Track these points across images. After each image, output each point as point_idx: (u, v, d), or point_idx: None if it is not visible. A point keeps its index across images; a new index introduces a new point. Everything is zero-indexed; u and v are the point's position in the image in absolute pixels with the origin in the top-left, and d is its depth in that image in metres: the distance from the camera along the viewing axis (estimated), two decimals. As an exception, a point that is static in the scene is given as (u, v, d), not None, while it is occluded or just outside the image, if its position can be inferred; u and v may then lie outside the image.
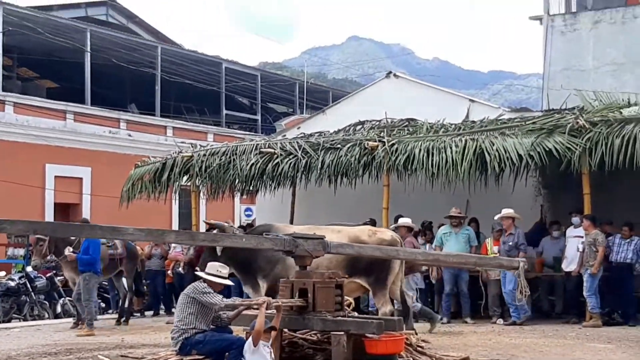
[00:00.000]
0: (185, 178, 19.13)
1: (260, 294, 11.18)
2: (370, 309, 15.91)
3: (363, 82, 60.23)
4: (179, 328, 7.81)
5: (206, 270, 8.17)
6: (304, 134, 19.12)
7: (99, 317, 17.60)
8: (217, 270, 8.14)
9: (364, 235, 11.68)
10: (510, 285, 14.26)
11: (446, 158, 14.98)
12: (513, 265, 10.58)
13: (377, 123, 18.10)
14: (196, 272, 8.29)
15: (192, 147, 19.44)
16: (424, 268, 15.39)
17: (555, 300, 16.05)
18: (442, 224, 16.13)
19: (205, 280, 8.03)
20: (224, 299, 8.03)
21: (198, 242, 9.52)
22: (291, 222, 19.10)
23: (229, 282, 8.61)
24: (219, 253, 10.79)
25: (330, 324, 8.67)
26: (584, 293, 14.08)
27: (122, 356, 10.77)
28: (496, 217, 15.45)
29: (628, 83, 24.09)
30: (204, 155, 18.28)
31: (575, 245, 14.72)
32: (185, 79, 35.52)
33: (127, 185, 19.54)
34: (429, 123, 16.92)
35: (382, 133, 16.62)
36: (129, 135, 30.95)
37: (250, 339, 7.57)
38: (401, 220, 15.43)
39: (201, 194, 20.10)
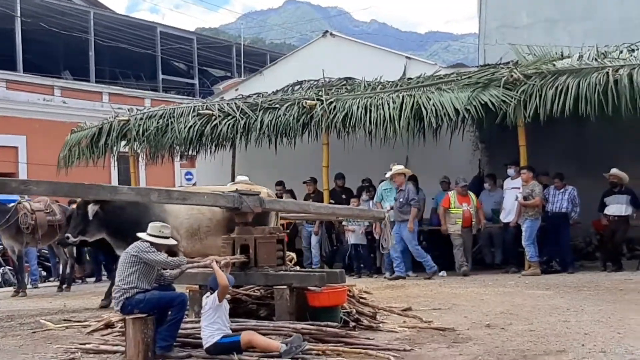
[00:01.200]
0: (123, 143, 18.93)
1: None
2: (313, 266, 16.06)
3: (301, 45, 60.01)
4: (120, 288, 7.73)
5: (148, 231, 8.08)
6: (242, 95, 19.03)
7: (40, 285, 17.45)
8: (159, 231, 8.05)
9: None
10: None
11: (384, 115, 15.06)
12: (380, 216, 11.32)
13: (315, 82, 18.14)
14: (137, 234, 8.17)
15: (128, 111, 19.22)
16: (366, 223, 15.52)
17: (494, 251, 16.35)
18: (383, 180, 16.22)
19: (145, 241, 7.94)
20: (168, 257, 7.96)
21: (173, 200, 9.39)
22: (232, 184, 19.10)
23: (172, 242, 8.53)
24: (90, 217, 10.97)
25: (273, 279, 8.70)
26: (523, 242, 14.36)
27: (64, 320, 10.69)
28: (387, 175, 15.38)
29: (561, 39, 24.36)
30: (141, 119, 18.10)
31: (513, 196, 14.96)
32: (119, 44, 34.97)
33: (64, 152, 19.26)
34: (367, 81, 16.98)
35: (320, 92, 16.64)
36: (64, 102, 30.46)
37: (215, 294, 7.53)
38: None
39: (140, 159, 19.93)
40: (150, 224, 8.14)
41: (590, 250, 16.08)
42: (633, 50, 14.78)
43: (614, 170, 14.24)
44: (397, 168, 15.17)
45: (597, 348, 7.12)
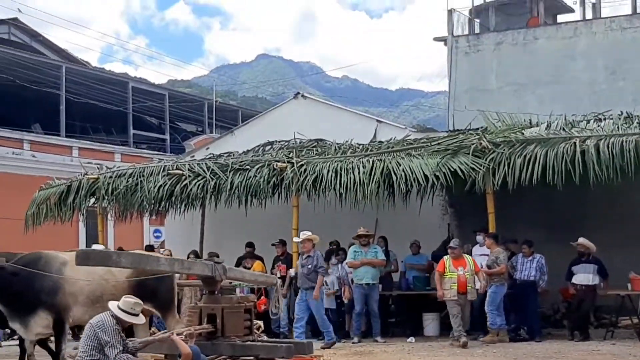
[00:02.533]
0: (92, 200, 18.79)
1: (32, 330, 10.78)
2: (281, 329, 15.92)
3: (274, 100, 60.45)
4: (82, 359, 7.65)
5: (119, 304, 7.99)
6: (212, 154, 19.05)
7: (3, 343, 17.07)
8: (131, 308, 7.98)
9: None
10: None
11: (354, 178, 15.13)
12: (272, 281, 11.98)
13: (286, 143, 18.21)
14: (109, 304, 8.07)
15: (98, 168, 19.14)
16: (335, 287, 15.48)
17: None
18: (352, 243, 16.18)
19: (113, 316, 7.85)
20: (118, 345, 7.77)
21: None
22: (201, 244, 19.05)
23: (140, 321, 8.42)
24: None
25: (240, 349, 8.65)
26: (485, 308, 14.32)
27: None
28: (298, 240, 15.12)
29: (530, 103, 24.84)
30: (110, 177, 18.01)
31: (480, 263, 15.00)
32: (90, 99, 34.96)
33: (32, 209, 19.06)
34: (337, 143, 17.11)
35: (291, 154, 16.71)
36: (33, 156, 30.26)
37: None
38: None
39: (109, 216, 19.79)
40: (124, 298, 8.09)
41: (558, 318, 16.09)
42: (600, 120, 15.05)
43: (581, 240, 14.34)
44: (305, 234, 14.90)
45: None
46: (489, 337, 14.21)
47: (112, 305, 7.91)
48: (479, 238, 15.24)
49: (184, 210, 18.83)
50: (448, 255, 14.40)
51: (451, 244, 14.50)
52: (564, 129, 14.63)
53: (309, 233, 14.91)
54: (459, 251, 14.43)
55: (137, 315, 8.00)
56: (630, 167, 13.23)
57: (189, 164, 17.60)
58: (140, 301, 8.26)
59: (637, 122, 14.39)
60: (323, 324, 14.64)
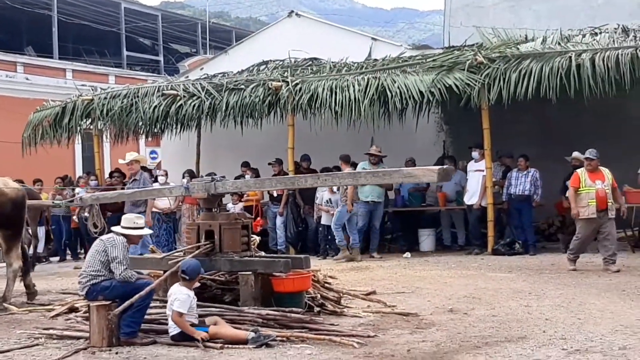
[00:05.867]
0: (87, 122, 18.79)
1: None
2: (278, 247, 16.11)
3: (268, 21, 59.63)
4: (87, 274, 7.73)
5: (122, 224, 8.07)
6: (207, 75, 18.96)
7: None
8: (133, 223, 8.07)
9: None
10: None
11: (349, 96, 15.11)
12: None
13: (281, 63, 18.10)
14: (112, 229, 8.16)
15: (92, 90, 19.07)
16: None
17: (457, 232, 16.51)
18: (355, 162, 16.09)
19: (122, 235, 7.93)
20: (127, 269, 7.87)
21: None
22: (197, 165, 19.13)
23: (147, 232, 8.54)
24: None
25: (238, 265, 8.74)
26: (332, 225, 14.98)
27: (27, 303, 10.66)
28: (124, 161, 15.01)
29: (526, 19, 24.51)
30: (105, 98, 17.98)
31: (476, 179, 15.11)
32: (83, 20, 34.55)
33: (28, 131, 19.07)
34: (332, 62, 16.99)
35: (286, 73, 16.64)
36: (27, 79, 30.04)
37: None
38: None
39: (105, 138, 19.82)
40: (124, 217, 8.17)
41: (552, 232, 16.28)
42: (596, 34, 14.91)
43: (575, 154, 14.38)
44: (132, 155, 14.80)
45: (558, 335, 7.25)
46: (340, 255, 14.79)
47: (116, 228, 8.01)
48: (475, 154, 15.29)
49: (180, 131, 18.86)
50: (583, 168, 12.35)
51: (587, 154, 12.30)
52: (559, 44, 14.52)
53: (136, 154, 14.98)
54: (596, 163, 12.22)
55: (142, 227, 8.12)
56: (625, 81, 13.17)
57: (183, 84, 17.54)
58: (139, 215, 8.38)
59: (633, 36, 14.27)
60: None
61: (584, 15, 24.56)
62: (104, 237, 7.97)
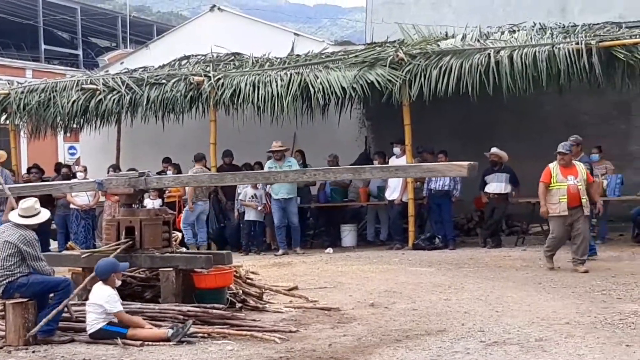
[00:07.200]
0: (3, 117, 18.32)
1: None
2: (199, 243, 15.97)
3: (189, 15, 59.07)
4: (2, 273, 7.55)
5: (19, 214, 7.81)
6: (127, 69, 18.66)
7: None
8: (34, 210, 7.86)
9: None
10: None
11: (272, 91, 15.08)
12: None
13: (203, 58, 17.91)
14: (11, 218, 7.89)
15: (8, 84, 18.60)
16: (263, 201, 15.49)
17: (380, 227, 16.64)
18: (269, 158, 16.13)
19: (26, 226, 7.70)
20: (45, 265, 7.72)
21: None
22: (117, 160, 18.82)
23: (46, 215, 8.20)
24: None
25: (159, 261, 8.66)
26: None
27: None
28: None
29: (447, 16, 24.77)
30: (22, 92, 17.53)
31: (398, 172, 15.21)
32: (-1, 13, 33.75)
33: (-60, 126, 18.51)
34: (255, 57, 16.92)
35: (208, 67, 16.50)
36: (-59, 73, 29.17)
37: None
38: None
39: (22, 133, 19.37)
40: (21, 206, 7.89)
41: (471, 227, 16.53)
42: (514, 32, 15.20)
43: (494, 150, 14.66)
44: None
45: (476, 327, 7.38)
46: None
47: (15, 217, 7.75)
48: (396, 150, 15.40)
49: (100, 126, 18.51)
50: (555, 163, 11.50)
51: (560, 149, 11.43)
52: (478, 40, 14.76)
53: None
54: (569, 157, 11.49)
55: (40, 212, 7.92)
56: (542, 77, 13.47)
57: (103, 79, 17.22)
58: (34, 198, 8.12)
59: (550, 33, 14.60)
60: None
61: (503, 12, 24.99)
62: (10, 237, 7.65)
